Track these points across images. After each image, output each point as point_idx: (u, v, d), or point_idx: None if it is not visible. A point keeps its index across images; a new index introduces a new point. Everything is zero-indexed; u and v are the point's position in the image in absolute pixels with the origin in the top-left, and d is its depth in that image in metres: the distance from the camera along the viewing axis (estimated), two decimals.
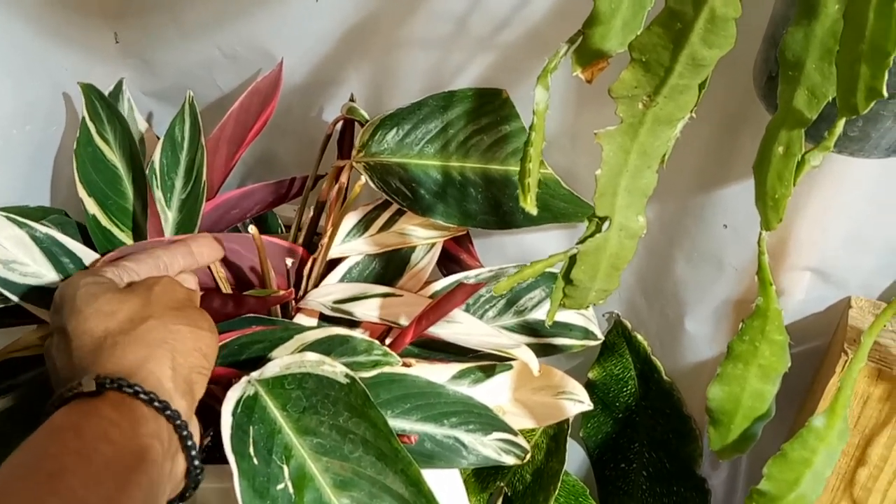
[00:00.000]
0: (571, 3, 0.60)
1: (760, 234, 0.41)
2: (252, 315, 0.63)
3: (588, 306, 0.47)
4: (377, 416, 0.50)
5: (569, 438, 0.87)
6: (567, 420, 0.76)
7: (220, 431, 0.64)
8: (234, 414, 0.50)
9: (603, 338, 0.69)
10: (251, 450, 0.49)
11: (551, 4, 0.60)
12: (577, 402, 0.65)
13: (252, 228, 0.58)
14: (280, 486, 0.48)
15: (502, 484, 0.79)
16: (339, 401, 0.51)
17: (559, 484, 0.72)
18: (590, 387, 0.81)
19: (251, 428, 0.50)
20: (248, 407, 0.51)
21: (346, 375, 0.51)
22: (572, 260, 0.44)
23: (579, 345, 0.67)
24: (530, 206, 0.40)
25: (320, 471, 0.49)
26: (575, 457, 0.87)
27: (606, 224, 0.42)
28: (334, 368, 0.51)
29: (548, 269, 0.67)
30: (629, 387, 0.80)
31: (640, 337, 0.77)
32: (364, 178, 0.63)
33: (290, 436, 0.50)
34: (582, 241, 0.43)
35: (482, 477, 0.80)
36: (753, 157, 0.62)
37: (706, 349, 0.72)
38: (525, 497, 0.77)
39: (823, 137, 0.36)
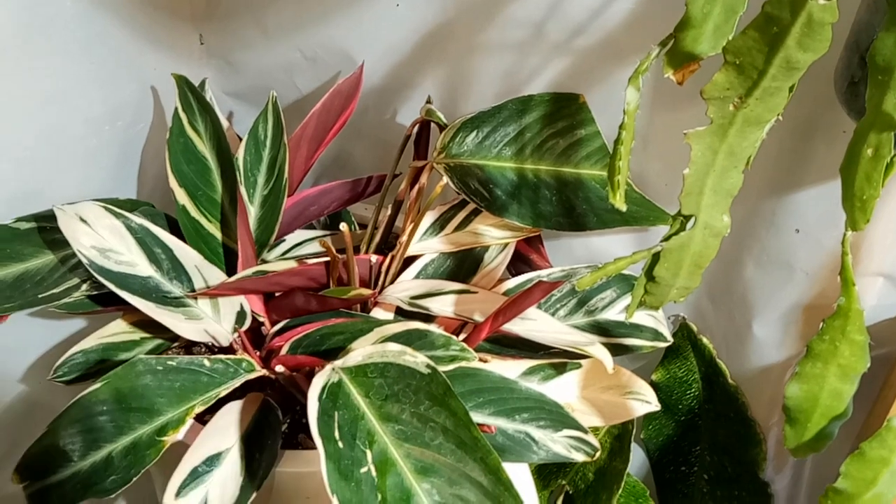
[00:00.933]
0: (648, 11, 0.61)
1: (845, 234, 0.42)
2: (333, 310, 0.65)
3: (664, 304, 0.48)
4: (458, 405, 0.51)
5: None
6: (632, 421, 0.77)
7: (296, 419, 0.67)
8: (319, 399, 0.52)
9: (671, 340, 0.70)
10: (336, 433, 0.51)
11: (628, 12, 0.61)
12: (645, 402, 0.66)
13: (343, 226, 0.61)
14: (363, 470, 0.50)
15: (564, 482, 0.80)
16: (420, 390, 0.52)
17: (622, 484, 0.73)
18: (652, 389, 0.82)
19: (336, 413, 0.52)
20: (333, 393, 0.53)
21: (428, 366, 0.52)
22: (656, 257, 0.45)
23: (649, 346, 0.68)
24: (620, 202, 0.41)
25: (402, 456, 0.51)
26: (634, 459, 0.88)
27: (691, 222, 0.43)
28: (416, 359, 0.53)
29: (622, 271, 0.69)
30: (693, 390, 0.81)
31: (705, 340, 0.77)
32: (445, 178, 0.65)
33: (373, 422, 0.52)
34: (666, 239, 0.44)
35: (544, 475, 0.82)
36: (826, 163, 0.63)
37: (773, 353, 0.72)
38: (587, 496, 0.78)
39: None
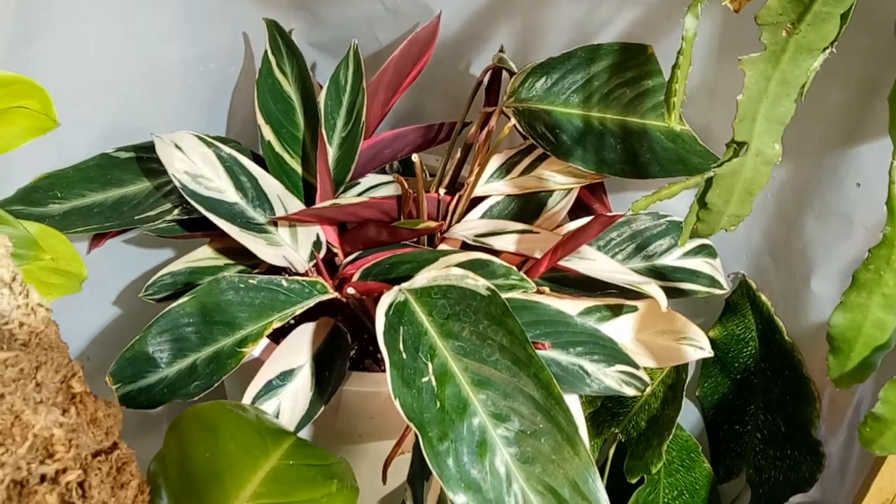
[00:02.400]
0: None
1: (892, 162, 0.44)
2: (403, 242, 0.69)
3: (715, 232, 0.50)
4: (514, 324, 0.55)
5: (685, 398, 0.90)
6: (686, 370, 0.79)
7: (363, 345, 0.71)
8: (386, 314, 0.56)
9: (728, 287, 0.71)
10: (401, 346, 0.54)
11: None
12: (698, 348, 0.68)
13: (415, 157, 0.64)
14: (425, 379, 0.54)
15: (617, 430, 0.83)
16: (479, 310, 0.56)
17: (673, 429, 0.75)
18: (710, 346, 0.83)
19: (401, 328, 0.55)
20: (399, 310, 0.56)
21: (488, 288, 0.56)
22: (708, 183, 0.47)
23: (705, 291, 0.69)
24: (674, 122, 0.44)
25: (460, 370, 0.54)
26: (689, 416, 0.90)
27: (744, 149, 0.45)
28: (476, 282, 0.56)
29: (677, 219, 0.71)
30: (749, 347, 0.82)
31: (763, 297, 0.78)
32: (512, 121, 0.68)
33: (435, 338, 0.55)
34: (719, 165, 0.46)
35: (598, 422, 0.84)
36: (888, 119, 0.63)
37: (830, 310, 0.73)
38: (639, 443, 0.80)
39: None
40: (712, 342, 0.83)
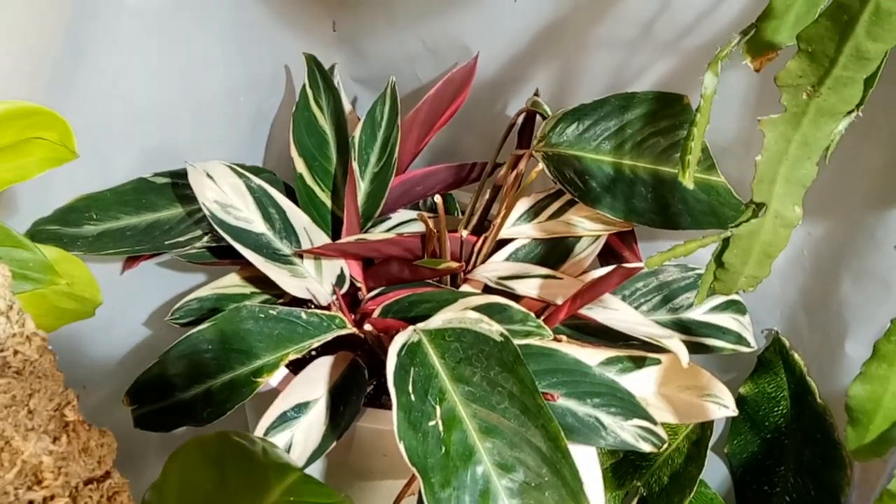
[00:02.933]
0: (756, 13, 0.62)
1: None
2: (425, 280, 0.69)
3: (733, 292, 0.49)
4: (525, 373, 0.54)
5: (714, 454, 0.87)
6: (710, 427, 0.77)
7: (381, 381, 0.71)
8: (398, 354, 0.56)
9: (755, 345, 0.69)
10: (410, 387, 0.54)
11: (735, 14, 0.62)
12: (723, 406, 0.66)
13: (437, 197, 0.65)
14: (431, 423, 0.53)
15: (639, 483, 0.81)
16: (492, 356, 0.55)
17: (695, 488, 0.73)
18: (740, 403, 0.81)
19: (412, 369, 0.55)
20: (412, 351, 0.56)
21: (501, 334, 0.55)
22: (726, 242, 0.46)
23: (730, 348, 0.68)
24: (688, 181, 0.43)
25: (468, 416, 0.54)
26: (717, 473, 0.87)
27: (763, 210, 0.44)
28: (491, 327, 0.56)
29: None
30: (781, 407, 0.80)
31: (797, 356, 0.76)
32: (541, 165, 0.67)
33: (445, 381, 0.55)
34: (737, 225, 0.45)
35: (619, 473, 0.82)
36: None
37: None
38: (661, 498, 0.78)
39: None
40: (743, 399, 0.81)
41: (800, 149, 0.41)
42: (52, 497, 0.35)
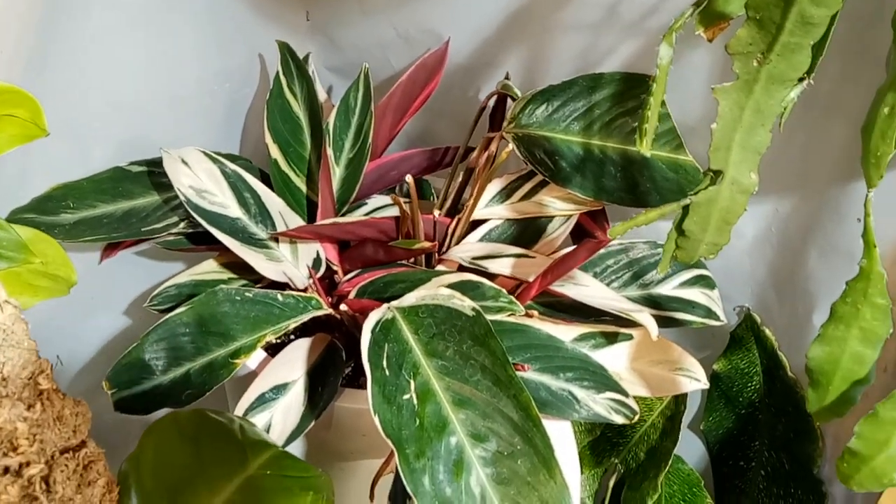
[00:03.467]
0: None
1: (867, 195, 0.44)
2: (400, 262, 0.70)
3: (694, 259, 0.50)
4: (496, 346, 0.55)
5: (690, 432, 0.89)
6: (684, 401, 0.78)
7: (359, 363, 0.72)
8: (373, 331, 0.57)
9: (725, 319, 0.71)
10: (384, 363, 0.55)
11: None
12: (694, 379, 0.67)
13: (409, 179, 0.66)
14: (406, 397, 0.54)
15: (616, 461, 0.82)
16: (464, 330, 0.56)
17: (670, 461, 0.75)
18: (714, 379, 0.82)
19: (386, 345, 0.56)
20: (386, 328, 0.57)
21: (473, 309, 0.56)
22: (685, 210, 0.47)
23: (700, 322, 0.69)
24: (645, 148, 0.44)
25: (442, 389, 0.55)
26: (694, 450, 0.89)
27: (720, 177, 0.45)
28: (462, 302, 0.57)
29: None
30: (754, 382, 0.81)
31: (768, 332, 0.78)
32: (511, 146, 0.68)
33: (419, 356, 0.56)
34: (695, 193, 0.47)
35: (597, 451, 0.84)
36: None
37: None
38: (637, 474, 0.80)
39: None
40: (717, 375, 0.82)
41: (753, 116, 0.43)
42: (28, 463, 0.36)
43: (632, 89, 0.69)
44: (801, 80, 0.43)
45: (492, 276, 0.67)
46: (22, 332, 0.36)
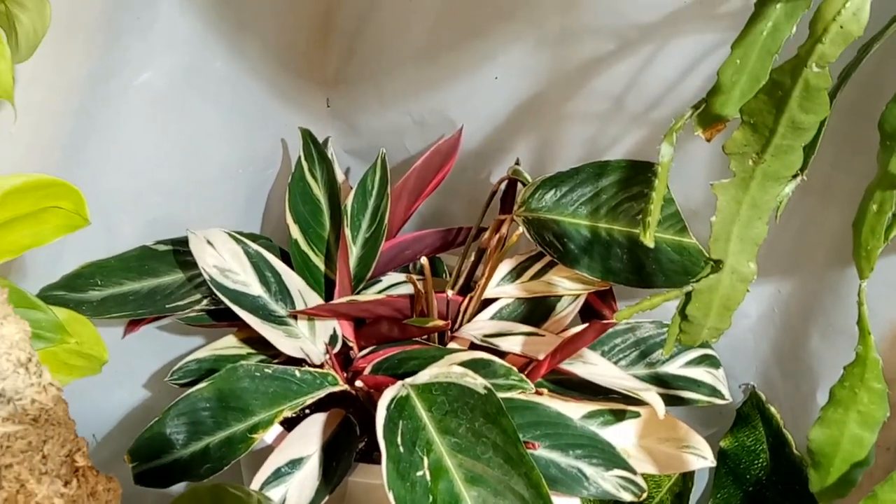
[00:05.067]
0: None
1: (860, 284, 0.46)
2: (414, 339, 0.72)
3: (697, 343, 0.53)
4: (508, 424, 0.57)
5: None
6: (692, 479, 0.79)
7: (373, 438, 0.74)
8: (388, 408, 0.59)
9: (729, 398, 0.72)
10: (399, 439, 0.57)
11: (699, 88, 0.67)
12: (701, 457, 0.69)
13: (423, 259, 0.68)
14: (419, 473, 0.56)
15: None
16: (476, 408, 0.58)
17: None
18: (721, 457, 0.83)
19: (401, 422, 0.58)
20: (400, 405, 0.59)
21: (485, 387, 0.58)
22: (688, 296, 0.50)
23: (705, 400, 0.71)
24: (648, 240, 0.47)
25: (454, 466, 0.57)
26: None
27: (720, 266, 0.48)
28: (475, 381, 0.59)
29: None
30: (760, 459, 0.82)
31: (773, 409, 0.79)
32: (522, 229, 0.71)
33: (433, 433, 0.58)
34: (697, 280, 0.49)
35: None
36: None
37: None
38: None
39: None
40: (723, 452, 0.83)
41: (750, 210, 0.46)
42: None
43: (637, 175, 0.72)
44: (794, 176, 0.46)
45: (502, 354, 0.69)
46: (63, 412, 0.39)
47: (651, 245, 0.48)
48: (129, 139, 0.72)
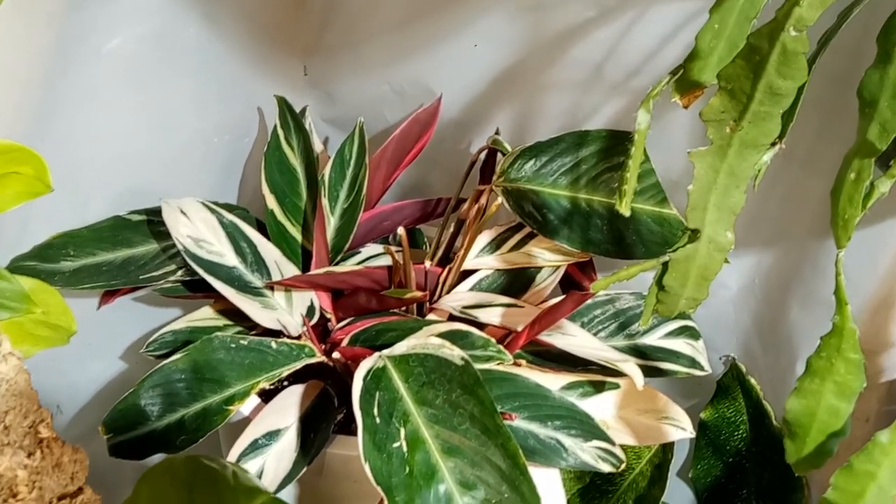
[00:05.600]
0: None
1: (837, 254, 0.46)
2: (392, 310, 0.72)
3: (674, 313, 0.52)
4: (485, 395, 0.56)
5: (679, 480, 0.90)
6: (671, 450, 0.80)
7: (351, 409, 0.73)
8: (364, 379, 0.58)
9: (709, 369, 0.72)
10: (375, 410, 0.57)
11: (679, 56, 0.66)
12: (680, 428, 0.68)
13: (401, 230, 0.68)
14: (396, 445, 0.55)
15: None
16: (453, 379, 0.58)
17: None
18: (702, 428, 0.84)
19: (377, 393, 0.58)
20: (377, 376, 0.59)
21: (462, 358, 0.58)
22: (665, 266, 0.49)
23: (685, 372, 0.71)
24: (625, 208, 0.46)
25: (431, 437, 0.56)
26: (684, 498, 0.89)
27: (697, 236, 0.47)
28: (452, 352, 0.59)
29: None
30: (740, 431, 0.82)
31: (753, 381, 0.79)
32: (501, 199, 0.71)
33: (409, 404, 0.57)
34: (674, 250, 0.49)
35: (587, 499, 0.84)
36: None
37: None
38: None
39: (890, 166, 0.41)
40: (704, 424, 0.84)
41: (727, 178, 0.45)
42: None
43: (617, 146, 0.71)
44: (773, 144, 0.45)
45: (481, 326, 0.68)
46: (24, 382, 0.38)
47: (627, 214, 0.47)
48: (99, 107, 0.70)
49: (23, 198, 0.49)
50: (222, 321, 0.75)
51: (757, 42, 0.39)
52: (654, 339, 0.72)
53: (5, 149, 0.48)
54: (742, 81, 0.41)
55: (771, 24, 0.38)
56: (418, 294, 0.69)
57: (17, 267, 0.68)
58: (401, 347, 0.61)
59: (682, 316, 0.74)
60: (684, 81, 0.45)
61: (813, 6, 0.36)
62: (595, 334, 0.71)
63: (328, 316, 0.73)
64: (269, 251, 0.71)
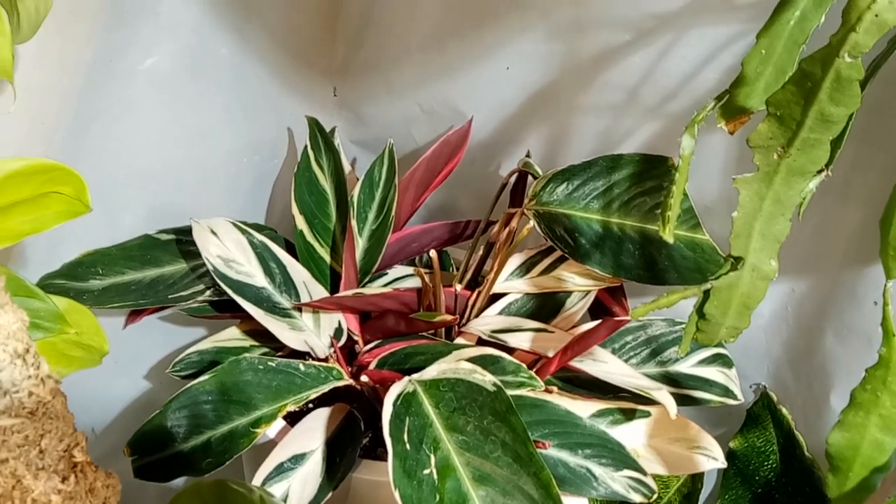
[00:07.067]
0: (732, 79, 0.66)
1: (885, 284, 0.44)
2: (420, 333, 0.71)
3: (715, 342, 0.51)
4: (517, 422, 0.55)
5: None
6: (701, 480, 0.78)
7: (377, 434, 0.72)
8: (394, 404, 0.57)
9: (742, 398, 0.71)
10: (405, 436, 0.56)
11: (715, 81, 0.66)
12: (711, 458, 0.67)
13: (432, 253, 0.67)
14: (426, 472, 0.55)
15: None
16: (485, 405, 0.57)
17: None
18: (730, 457, 0.82)
19: (407, 419, 0.57)
20: (407, 401, 0.58)
21: (494, 384, 0.57)
22: (706, 294, 0.48)
23: (718, 401, 0.69)
24: (668, 235, 0.46)
25: (462, 464, 0.55)
26: None
27: (741, 264, 0.46)
28: (484, 377, 0.58)
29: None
30: (770, 461, 0.81)
31: (784, 410, 0.78)
32: (532, 223, 0.70)
33: (440, 430, 0.57)
34: (716, 278, 0.48)
35: None
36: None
37: None
38: None
39: None
40: (733, 453, 0.82)
41: (773, 205, 0.44)
42: None
43: (650, 170, 0.71)
44: (819, 171, 0.44)
45: (511, 350, 0.67)
46: (61, 405, 0.37)
47: (671, 241, 0.46)
48: (132, 124, 0.70)
49: (63, 217, 0.48)
50: (249, 342, 0.74)
51: (810, 68, 0.38)
52: (686, 367, 0.70)
53: (46, 168, 0.48)
54: (792, 108, 0.40)
55: (825, 50, 0.38)
56: (448, 317, 0.68)
57: (46, 285, 0.67)
58: (431, 372, 0.60)
59: (716, 343, 0.73)
60: (730, 107, 0.44)
61: (869, 32, 0.35)
62: (626, 361, 0.70)
63: (356, 338, 0.73)
64: (298, 272, 0.71)
